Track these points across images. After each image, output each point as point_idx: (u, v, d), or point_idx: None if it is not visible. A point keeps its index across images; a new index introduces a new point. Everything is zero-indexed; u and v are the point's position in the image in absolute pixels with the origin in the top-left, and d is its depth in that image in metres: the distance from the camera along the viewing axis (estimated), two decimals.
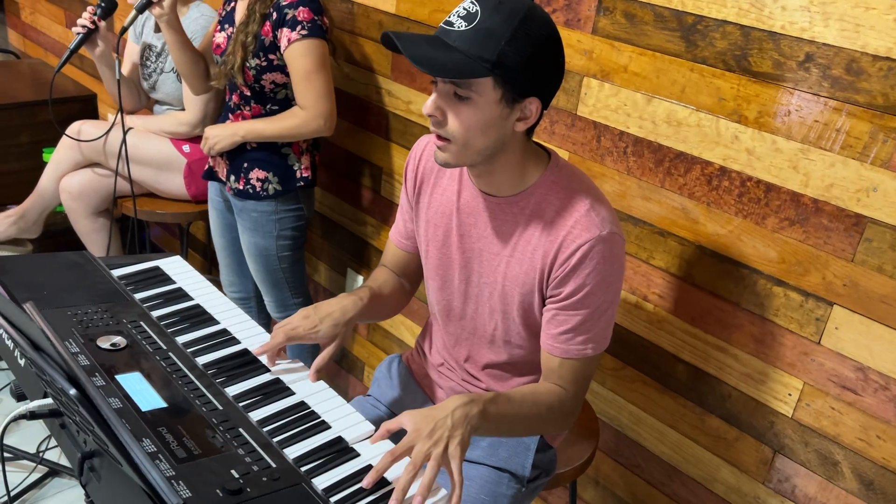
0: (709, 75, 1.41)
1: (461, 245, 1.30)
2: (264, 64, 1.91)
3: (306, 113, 1.92)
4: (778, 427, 1.46)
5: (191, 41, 2.03)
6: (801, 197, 1.34)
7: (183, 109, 2.33)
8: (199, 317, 1.33)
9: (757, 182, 1.39)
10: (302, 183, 2.07)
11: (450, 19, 1.09)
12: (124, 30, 1.99)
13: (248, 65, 1.91)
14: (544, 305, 1.23)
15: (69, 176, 2.33)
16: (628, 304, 1.66)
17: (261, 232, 2.09)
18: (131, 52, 2.41)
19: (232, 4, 2.03)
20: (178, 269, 1.49)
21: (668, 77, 1.48)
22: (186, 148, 2.33)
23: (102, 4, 2.19)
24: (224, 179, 2.10)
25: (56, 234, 2.73)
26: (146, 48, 2.37)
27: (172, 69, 2.30)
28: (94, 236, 2.40)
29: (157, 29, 2.36)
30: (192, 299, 1.38)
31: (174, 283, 1.43)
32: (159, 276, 1.44)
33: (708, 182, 1.46)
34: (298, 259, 2.19)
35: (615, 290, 1.20)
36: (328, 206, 2.41)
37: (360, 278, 2.38)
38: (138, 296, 1.34)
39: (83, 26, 2.16)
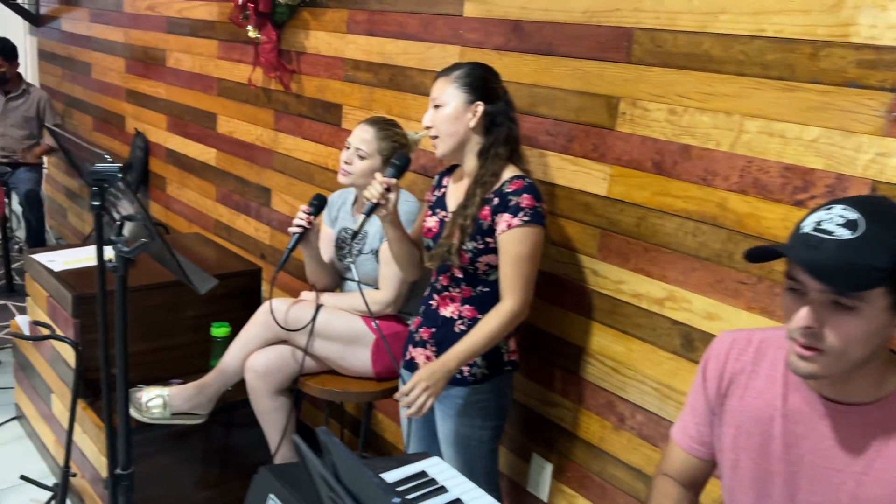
0: None
1: (786, 456, 1.17)
2: (481, 247, 1.89)
3: (508, 303, 1.87)
4: None
5: (407, 233, 2.06)
6: None
7: (375, 288, 2.32)
8: None
9: None
10: (509, 367, 1.99)
11: (825, 227, 1.04)
12: (355, 234, 2.01)
13: (464, 247, 1.89)
14: None
15: (256, 354, 2.30)
16: None
17: (464, 420, 1.98)
18: (327, 237, 2.45)
19: (442, 190, 2.06)
20: (441, 471, 1.38)
21: None
22: (376, 324, 2.30)
23: (315, 203, 2.27)
24: None
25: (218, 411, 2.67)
26: (342, 231, 2.41)
27: (371, 251, 2.31)
28: (272, 416, 2.33)
29: (356, 213, 2.41)
30: None
31: (447, 491, 1.32)
32: (429, 483, 1.33)
33: None
34: (495, 449, 2.06)
35: None
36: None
37: (549, 466, 2.23)
38: None
39: (300, 226, 2.22)
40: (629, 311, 1.98)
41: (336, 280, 2.49)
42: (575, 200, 2.07)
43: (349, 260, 2.37)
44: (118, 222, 1.82)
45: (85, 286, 2.57)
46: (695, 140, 1.79)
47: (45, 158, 5.14)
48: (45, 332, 2.53)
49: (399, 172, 1.97)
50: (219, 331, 2.73)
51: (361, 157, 2.28)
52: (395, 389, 2.32)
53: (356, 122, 2.80)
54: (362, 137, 2.29)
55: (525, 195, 1.85)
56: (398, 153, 2.00)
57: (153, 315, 2.73)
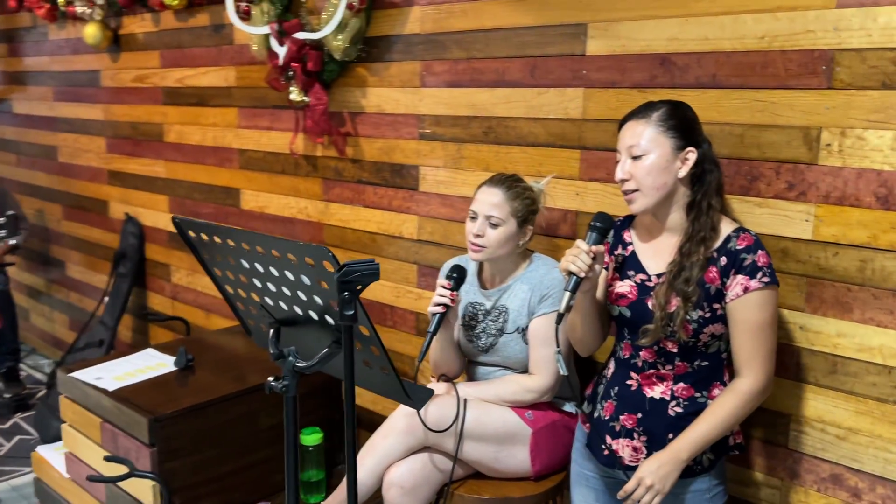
0: None
1: None
2: (707, 315, 1.61)
3: (749, 380, 1.61)
4: None
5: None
6: None
7: (523, 372, 1.99)
8: None
9: None
10: (736, 451, 1.70)
11: None
12: (561, 318, 1.66)
13: (688, 317, 1.60)
14: None
15: (397, 466, 1.90)
16: None
17: None
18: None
19: (628, 248, 1.76)
20: None
21: None
22: (530, 415, 1.96)
23: (455, 276, 1.94)
24: (630, 464, 1.69)
25: None
26: (470, 307, 2.06)
27: (517, 329, 1.98)
28: None
29: (484, 286, 2.08)
30: None
31: None
32: None
33: None
34: None
35: None
36: None
37: None
38: None
39: (442, 305, 1.88)
40: (856, 369, 1.72)
41: (463, 364, 2.14)
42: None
43: (484, 340, 2.03)
44: (274, 326, 1.45)
45: (158, 406, 2.12)
46: None
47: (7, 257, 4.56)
48: (115, 466, 2.06)
49: (603, 237, 1.68)
50: (310, 438, 2.33)
51: (494, 225, 1.96)
52: (559, 487, 1.98)
53: (440, 183, 2.50)
54: (491, 202, 1.97)
55: (760, 252, 1.60)
56: (598, 214, 1.69)
57: (228, 431, 2.29)
